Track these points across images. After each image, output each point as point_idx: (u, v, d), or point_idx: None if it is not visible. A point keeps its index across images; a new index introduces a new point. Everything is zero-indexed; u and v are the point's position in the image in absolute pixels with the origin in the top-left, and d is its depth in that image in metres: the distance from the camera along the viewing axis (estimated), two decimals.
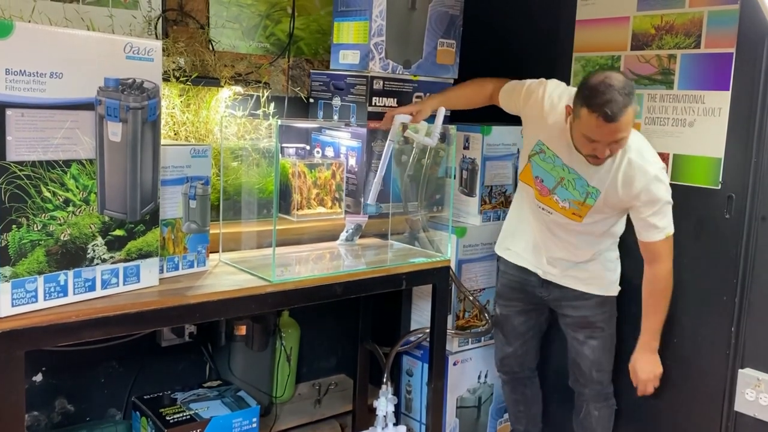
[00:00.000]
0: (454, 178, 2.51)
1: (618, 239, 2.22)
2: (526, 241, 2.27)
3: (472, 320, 2.55)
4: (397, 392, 2.67)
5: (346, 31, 2.38)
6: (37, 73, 1.34)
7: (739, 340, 2.11)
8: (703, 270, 2.17)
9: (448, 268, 2.18)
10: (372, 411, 2.45)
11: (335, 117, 2.44)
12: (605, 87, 1.82)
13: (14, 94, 1.31)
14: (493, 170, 2.51)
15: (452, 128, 2.30)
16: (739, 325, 2.11)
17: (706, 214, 2.16)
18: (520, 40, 2.73)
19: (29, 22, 1.96)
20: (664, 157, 2.25)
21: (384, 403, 2.34)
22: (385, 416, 2.36)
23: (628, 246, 2.19)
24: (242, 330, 2.35)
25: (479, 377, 2.63)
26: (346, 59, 2.39)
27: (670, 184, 2.05)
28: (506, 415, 2.66)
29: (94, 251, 1.50)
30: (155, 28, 2.24)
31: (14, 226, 1.36)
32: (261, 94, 2.38)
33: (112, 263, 1.54)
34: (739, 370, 2.11)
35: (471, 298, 2.43)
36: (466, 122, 2.51)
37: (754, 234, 2.06)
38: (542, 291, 2.28)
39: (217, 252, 1.95)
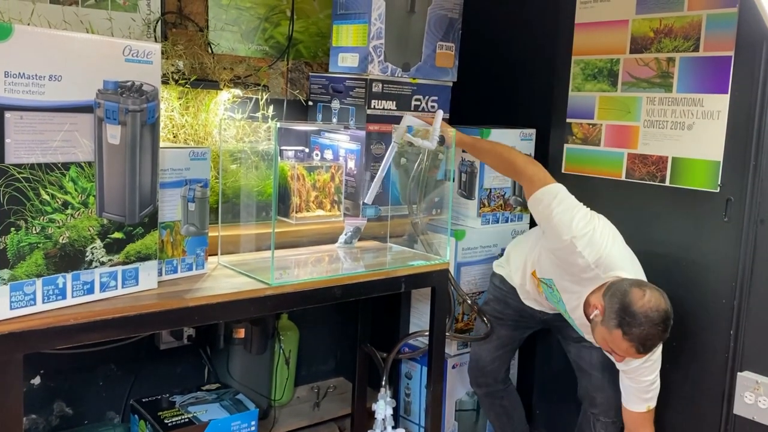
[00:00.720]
0: (453, 181, 2.51)
1: None
2: (522, 291, 2.30)
3: (470, 323, 2.54)
4: (396, 395, 2.67)
5: (345, 34, 2.38)
6: (36, 75, 1.34)
7: (738, 343, 2.11)
8: (702, 273, 2.17)
9: (447, 270, 2.18)
10: (371, 414, 2.45)
11: (334, 120, 2.44)
12: (646, 321, 1.80)
13: (13, 96, 1.31)
14: (492, 173, 2.51)
15: (451, 131, 2.31)
16: (738, 328, 2.11)
17: (704, 217, 2.16)
18: (519, 42, 2.73)
19: (28, 24, 1.96)
20: (663, 160, 2.25)
21: (383, 407, 2.34)
22: (383, 419, 2.35)
23: None
24: (241, 333, 2.35)
25: None
26: (345, 62, 2.39)
27: (670, 187, 2.05)
28: None
29: (92, 254, 1.49)
30: (154, 30, 2.24)
31: (13, 228, 1.36)
32: (260, 97, 2.38)
33: (111, 266, 1.53)
34: (738, 374, 2.11)
35: (469, 302, 2.43)
36: (465, 125, 2.51)
37: (753, 237, 2.06)
38: (539, 313, 2.29)
39: (216, 255, 1.94)
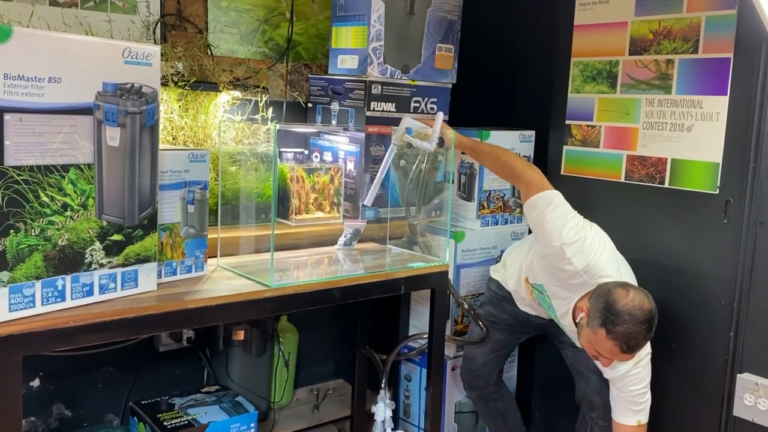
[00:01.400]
0: (453, 182, 2.51)
1: None
2: (521, 297, 2.29)
3: (470, 326, 2.54)
4: (395, 397, 2.67)
5: (345, 36, 2.39)
6: (35, 77, 1.34)
7: (737, 345, 2.11)
8: (701, 275, 2.17)
9: (447, 272, 2.17)
10: (370, 416, 2.45)
11: (333, 122, 2.44)
12: (630, 319, 1.79)
13: (12, 98, 1.31)
14: (492, 175, 2.51)
15: (450, 132, 2.31)
16: (738, 329, 2.11)
17: (704, 218, 2.16)
18: (518, 44, 2.74)
19: (28, 26, 1.96)
20: (662, 161, 2.25)
21: (382, 409, 2.34)
22: (383, 421, 2.35)
23: None
24: (240, 335, 2.34)
25: None
26: (345, 64, 2.39)
27: (669, 189, 2.05)
28: None
29: (92, 256, 1.49)
30: (154, 32, 2.24)
31: (12, 230, 1.35)
32: (259, 99, 2.38)
33: (110, 268, 1.53)
34: (738, 375, 2.11)
35: (466, 306, 2.42)
36: (464, 127, 2.51)
37: (752, 238, 2.06)
38: (534, 319, 2.29)
39: (215, 257, 1.94)
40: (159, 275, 1.67)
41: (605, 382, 2.18)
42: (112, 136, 1.49)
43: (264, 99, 2.39)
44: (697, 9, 2.15)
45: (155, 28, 2.25)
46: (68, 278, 1.46)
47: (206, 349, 2.46)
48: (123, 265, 1.56)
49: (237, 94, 2.33)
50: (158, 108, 1.57)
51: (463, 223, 2.56)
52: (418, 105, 2.44)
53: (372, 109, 2.33)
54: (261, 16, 2.52)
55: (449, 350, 2.49)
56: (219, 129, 2.23)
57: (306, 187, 2.23)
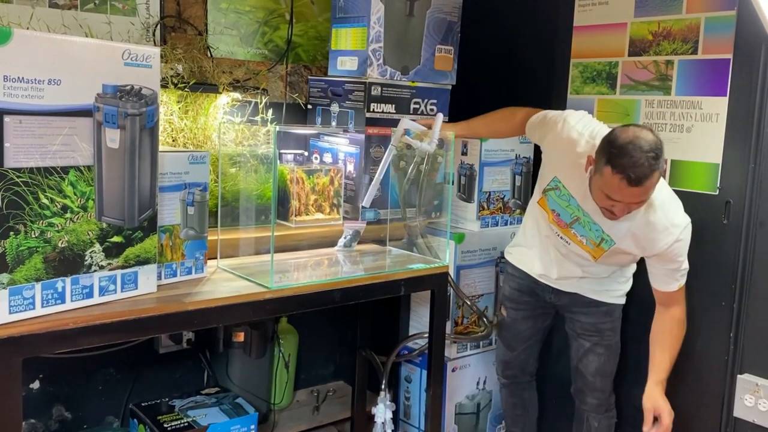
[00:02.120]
0: (453, 184, 2.51)
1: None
2: (540, 258, 2.24)
3: (470, 326, 2.54)
4: (395, 399, 2.67)
5: (344, 38, 2.39)
6: (35, 79, 1.34)
7: (737, 346, 2.11)
8: (702, 276, 2.17)
9: (447, 273, 2.17)
10: (370, 417, 2.45)
11: (333, 123, 2.44)
12: (633, 148, 1.75)
13: (12, 100, 1.31)
14: (492, 176, 2.51)
15: (450, 134, 2.31)
16: (738, 330, 2.11)
17: (704, 219, 2.16)
18: (517, 46, 2.74)
19: (27, 28, 1.96)
20: None
21: (382, 410, 2.33)
22: (383, 423, 2.35)
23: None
24: (240, 337, 2.34)
25: (478, 384, 2.63)
26: (344, 65, 2.39)
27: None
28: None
29: (91, 258, 1.49)
30: (153, 34, 2.25)
31: (12, 232, 1.35)
32: (259, 101, 2.38)
33: (110, 270, 1.53)
34: (738, 376, 2.11)
35: (469, 303, 2.43)
36: None
37: (752, 239, 2.06)
38: (552, 296, 2.27)
39: (215, 258, 1.94)
40: (159, 277, 1.67)
41: (602, 384, 2.24)
42: (112, 137, 1.49)
43: (264, 101, 2.39)
44: (697, 10, 2.15)
45: (155, 30, 2.25)
46: (68, 280, 1.46)
47: (206, 350, 2.45)
48: (123, 267, 1.56)
49: (237, 95, 2.32)
50: (158, 110, 1.57)
51: (463, 224, 2.56)
52: (417, 106, 2.45)
53: (372, 110, 2.33)
54: (261, 17, 2.53)
55: (449, 351, 2.49)
56: (219, 131, 2.23)
57: (306, 189, 2.23)
